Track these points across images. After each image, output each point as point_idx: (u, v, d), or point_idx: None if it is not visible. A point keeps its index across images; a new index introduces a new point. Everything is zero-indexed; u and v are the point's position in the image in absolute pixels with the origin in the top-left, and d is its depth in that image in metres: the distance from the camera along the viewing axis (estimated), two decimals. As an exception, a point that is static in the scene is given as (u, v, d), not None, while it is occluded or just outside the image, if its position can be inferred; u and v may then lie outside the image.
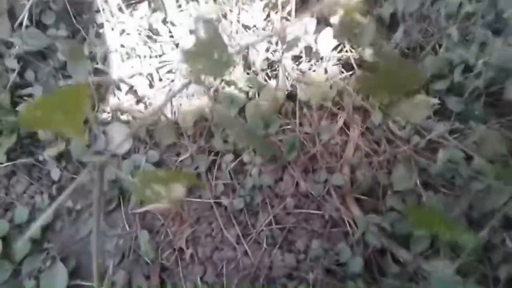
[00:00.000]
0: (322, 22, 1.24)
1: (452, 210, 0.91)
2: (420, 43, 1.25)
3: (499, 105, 1.10)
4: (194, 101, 1.21)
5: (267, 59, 1.24)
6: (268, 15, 1.30)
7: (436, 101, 1.08)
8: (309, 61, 1.22)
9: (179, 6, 1.36)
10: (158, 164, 1.15)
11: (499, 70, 1.06)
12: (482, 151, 1.00)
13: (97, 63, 1.18)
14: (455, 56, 1.10)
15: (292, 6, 1.25)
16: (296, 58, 1.23)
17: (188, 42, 1.29)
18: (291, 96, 1.21)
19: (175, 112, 1.18)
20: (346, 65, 1.23)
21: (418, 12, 1.30)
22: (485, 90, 1.09)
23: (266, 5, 1.30)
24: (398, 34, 1.24)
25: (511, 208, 0.85)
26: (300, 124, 1.18)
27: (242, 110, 1.16)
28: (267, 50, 1.23)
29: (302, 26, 1.20)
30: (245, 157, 1.10)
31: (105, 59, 1.21)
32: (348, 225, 1.02)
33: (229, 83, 1.20)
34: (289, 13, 1.26)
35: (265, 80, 1.22)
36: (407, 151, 1.04)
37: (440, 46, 1.19)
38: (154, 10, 1.26)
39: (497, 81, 1.09)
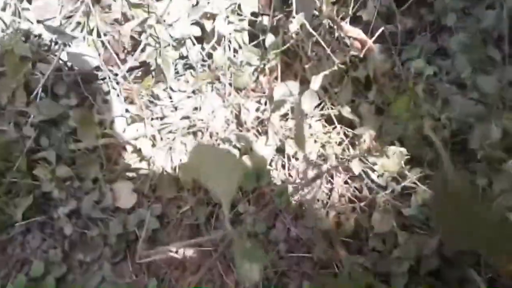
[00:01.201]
0: (305, 83, 1.41)
1: (425, 248, 1.03)
2: (393, 99, 1.42)
3: (465, 153, 1.25)
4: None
5: (257, 117, 1.40)
6: (257, 78, 1.47)
7: (407, 152, 1.23)
8: (293, 118, 1.38)
9: (177, 72, 1.53)
10: (161, 216, 1.28)
11: (461, 123, 1.22)
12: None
13: (105, 128, 1.34)
14: (423, 111, 1.26)
15: (278, 71, 1.43)
16: (284, 116, 1.39)
17: (186, 105, 1.46)
18: (280, 151, 1.36)
19: (175, 168, 1.33)
20: (328, 121, 1.39)
21: (391, 72, 1.48)
22: (451, 140, 1.24)
23: (255, 70, 1.47)
24: (372, 92, 1.41)
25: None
26: (289, 175, 1.32)
27: (236, 165, 1.30)
28: (257, 109, 1.39)
29: (287, 88, 1.37)
30: (241, 207, 1.24)
31: (112, 123, 1.37)
32: (335, 266, 1.14)
33: (223, 140, 1.35)
34: (275, 77, 1.43)
35: (256, 137, 1.38)
36: (385, 196, 1.17)
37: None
38: (156, 81, 1.43)
39: (461, 132, 1.25)
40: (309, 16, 1.38)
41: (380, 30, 1.40)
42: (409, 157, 1.26)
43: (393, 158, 1.26)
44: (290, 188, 1.29)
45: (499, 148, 1.11)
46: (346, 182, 1.27)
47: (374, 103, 1.41)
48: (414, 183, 1.20)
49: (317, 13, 1.45)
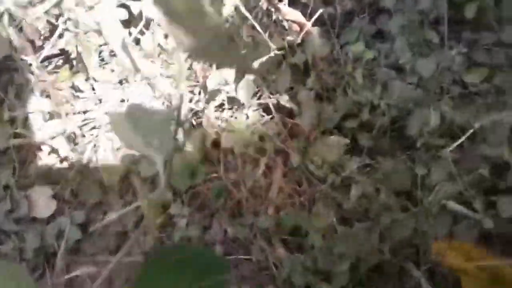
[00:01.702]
0: (241, 71, 1.32)
1: (365, 243, 1.00)
2: (333, 85, 1.37)
3: (404, 139, 1.22)
4: (120, 156, 1.25)
5: (191, 109, 1.30)
6: (191, 66, 1.37)
7: (347, 140, 1.18)
8: (230, 109, 1.30)
9: (102, 59, 1.41)
10: (84, 224, 1.17)
11: (400, 109, 1.19)
12: (390, 184, 1.10)
13: (17, 127, 1.20)
14: (361, 98, 1.21)
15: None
16: (219, 106, 1.31)
17: (112, 97, 1.34)
18: (216, 144, 1.28)
19: (100, 169, 1.22)
20: (266, 110, 1.32)
21: (330, 57, 1.42)
22: (390, 126, 1.21)
23: (188, 56, 1.37)
24: (311, 78, 1.35)
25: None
26: (226, 171, 1.24)
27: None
28: (191, 100, 1.30)
29: (223, 77, 1.28)
30: (173, 209, 1.15)
31: (25, 120, 1.23)
32: (274, 267, 1.08)
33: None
34: (210, 65, 1.34)
35: (190, 129, 1.28)
36: (324, 189, 1.13)
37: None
38: (77, 71, 1.30)
39: (400, 118, 1.21)
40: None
41: (318, 12, 1.34)
42: (348, 146, 1.22)
43: (332, 148, 1.21)
44: (228, 184, 1.21)
45: (437, 134, 1.08)
46: (285, 175, 1.21)
47: (313, 89, 1.35)
48: (354, 173, 1.15)
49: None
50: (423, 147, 1.08)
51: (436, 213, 1.04)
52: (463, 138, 0.98)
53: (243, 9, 1.28)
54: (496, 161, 1.01)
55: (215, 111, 1.28)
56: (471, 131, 0.98)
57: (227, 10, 1.22)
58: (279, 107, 1.31)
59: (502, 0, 1.35)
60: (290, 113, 1.32)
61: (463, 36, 1.39)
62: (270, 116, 1.30)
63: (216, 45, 0.48)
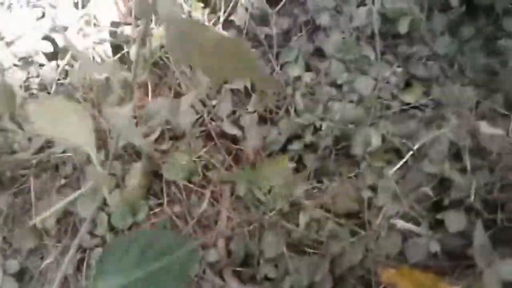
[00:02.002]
0: (181, 97, 1.28)
1: (317, 271, 0.97)
2: (275, 107, 1.35)
3: (350, 158, 1.22)
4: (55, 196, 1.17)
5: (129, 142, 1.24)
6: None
7: (292, 164, 1.16)
8: (172, 139, 1.25)
9: (32, 94, 1.32)
10: (20, 273, 1.08)
11: (342, 129, 1.18)
12: (337, 207, 1.09)
13: None
14: (303, 120, 1.20)
15: (148, 86, 1.28)
16: (159, 137, 1.26)
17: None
18: (158, 177, 1.22)
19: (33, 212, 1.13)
20: (209, 137, 1.28)
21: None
22: (335, 146, 1.20)
23: (122, 86, 1.31)
24: (252, 101, 1.33)
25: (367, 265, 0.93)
26: (170, 204, 1.19)
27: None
28: (127, 133, 1.23)
29: (159, 105, 1.23)
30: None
31: None
32: (227, 302, 1.04)
33: (91, 173, 1.18)
34: (146, 93, 1.29)
35: (130, 163, 1.22)
36: (273, 217, 1.10)
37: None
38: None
39: (344, 138, 1.21)
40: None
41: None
42: (295, 169, 1.20)
43: (279, 172, 1.19)
44: (173, 217, 1.16)
45: (381, 153, 1.08)
46: (233, 204, 1.17)
47: (256, 112, 1.33)
48: (302, 197, 1.13)
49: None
50: (367, 168, 1.07)
51: (385, 234, 1.03)
52: (404, 160, 0.98)
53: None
54: (439, 176, 1.02)
55: (155, 142, 1.23)
56: (411, 152, 0.98)
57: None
58: (222, 133, 1.27)
59: (433, 14, 1.39)
60: (234, 139, 1.29)
61: (399, 50, 1.42)
62: (213, 143, 1.26)
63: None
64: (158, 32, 1.18)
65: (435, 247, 0.92)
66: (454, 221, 1.01)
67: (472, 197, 0.99)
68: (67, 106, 0.53)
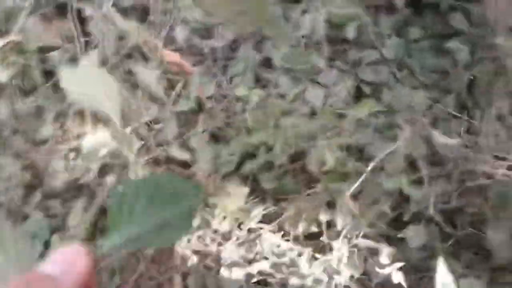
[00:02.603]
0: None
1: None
2: (226, 124, 1.29)
3: (307, 175, 1.17)
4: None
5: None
6: (62, 126, 1.22)
7: (246, 188, 1.11)
8: (116, 169, 1.17)
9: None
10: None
11: (296, 145, 1.14)
12: (296, 229, 1.05)
13: None
14: (255, 139, 1.15)
15: (87, 114, 1.20)
16: (102, 169, 1.17)
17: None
18: (106, 211, 1.14)
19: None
20: (157, 162, 1.21)
21: (218, 93, 1.35)
22: (290, 164, 1.16)
23: (57, 116, 1.22)
24: (201, 120, 1.27)
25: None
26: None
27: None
28: (66, 168, 1.15)
29: (100, 136, 1.15)
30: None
31: None
32: None
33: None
34: (84, 122, 1.20)
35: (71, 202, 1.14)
36: (229, 248, 1.04)
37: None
38: None
39: (299, 154, 1.17)
40: (111, 46, 1.17)
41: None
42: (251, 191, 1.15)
43: (234, 196, 1.14)
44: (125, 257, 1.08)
45: (336, 171, 1.04)
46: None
47: (206, 131, 1.27)
48: (260, 222, 1.08)
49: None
50: (324, 187, 1.04)
51: (348, 255, 1.00)
52: (359, 182, 0.95)
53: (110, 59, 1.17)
54: (397, 191, 1.00)
55: (98, 175, 1.14)
56: (364, 174, 0.95)
57: (91, 61, 1.09)
58: (170, 158, 1.20)
59: (379, 18, 1.37)
60: (184, 163, 1.22)
61: (349, 56, 1.39)
62: (162, 169, 1.19)
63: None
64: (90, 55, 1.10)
65: (397, 278, 0.89)
66: (415, 236, 0.99)
67: (431, 210, 0.97)
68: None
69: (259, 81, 1.41)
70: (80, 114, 1.21)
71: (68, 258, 0.34)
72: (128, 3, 1.22)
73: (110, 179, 1.13)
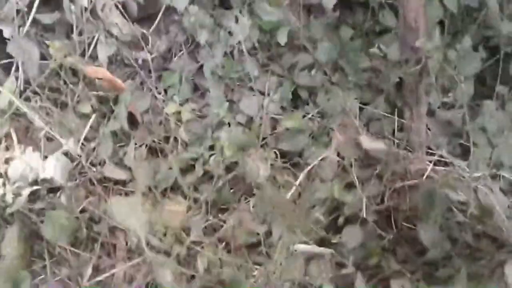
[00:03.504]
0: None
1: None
2: (164, 137, 1.29)
3: (245, 186, 1.19)
4: None
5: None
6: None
7: (186, 202, 1.12)
8: (47, 193, 1.15)
9: None
10: None
11: (233, 156, 1.15)
12: (237, 240, 1.07)
13: None
14: (192, 152, 1.15)
15: (14, 139, 1.16)
16: (33, 195, 1.14)
17: None
18: (41, 239, 1.12)
19: None
20: (89, 184, 1.19)
21: (154, 105, 1.34)
22: (228, 175, 1.17)
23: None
24: (138, 134, 1.26)
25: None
26: (57, 264, 1.09)
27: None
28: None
29: (27, 160, 1.12)
30: None
31: None
32: None
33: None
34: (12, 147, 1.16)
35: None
36: (171, 264, 1.04)
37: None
38: None
39: (235, 166, 1.18)
40: (34, 68, 1.13)
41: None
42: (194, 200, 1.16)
43: (174, 212, 1.14)
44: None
45: (272, 180, 1.07)
46: (128, 257, 1.10)
47: (144, 145, 1.26)
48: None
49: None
50: (260, 196, 1.06)
51: (288, 260, 1.02)
52: (292, 191, 0.98)
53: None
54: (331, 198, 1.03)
55: (29, 201, 1.11)
56: (298, 182, 0.98)
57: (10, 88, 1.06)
58: (105, 177, 1.18)
59: (310, 22, 1.40)
60: (123, 182, 1.20)
61: (283, 61, 1.42)
62: (92, 192, 1.16)
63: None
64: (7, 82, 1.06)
65: (327, 286, 0.92)
66: (351, 238, 1.02)
67: (364, 212, 1.01)
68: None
69: (197, 90, 1.41)
70: (7, 137, 1.17)
71: None
72: (50, 20, 1.19)
73: (42, 203, 1.11)
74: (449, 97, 1.31)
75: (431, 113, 1.32)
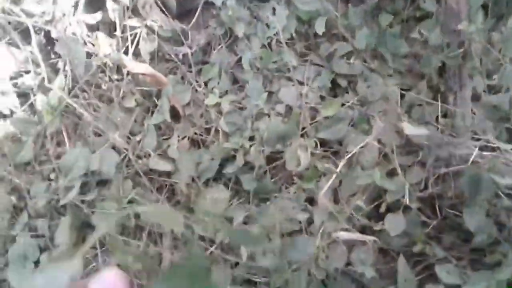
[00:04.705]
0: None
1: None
2: (206, 129, 1.32)
3: (286, 174, 1.20)
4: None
5: (49, 202, 1.18)
6: (42, 147, 1.25)
7: (228, 193, 1.14)
8: (98, 185, 1.20)
9: None
10: None
11: (273, 145, 1.17)
12: (276, 229, 1.08)
13: None
14: (232, 143, 1.18)
15: (64, 134, 1.22)
16: (83, 186, 1.20)
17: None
18: (92, 227, 1.17)
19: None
20: (139, 175, 1.24)
21: (196, 99, 1.37)
22: (269, 165, 1.19)
23: (36, 138, 1.25)
24: (181, 126, 1.29)
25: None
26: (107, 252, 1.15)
27: None
28: (47, 190, 1.18)
29: (78, 153, 1.18)
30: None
31: None
32: None
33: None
34: (62, 142, 1.22)
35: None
36: (215, 253, 1.08)
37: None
38: None
39: (276, 154, 1.20)
40: (81, 66, 1.19)
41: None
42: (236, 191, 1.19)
43: (217, 201, 1.17)
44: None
45: (312, 170, 1.07)
46: (175, 246, 1.14)
47: (186, 137, 1.30)
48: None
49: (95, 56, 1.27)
50: (301, 185, 1.07)
51: (330, 248, 1.03)
52: (331, 179, 0.98)
53: (80, 80, 1.19)
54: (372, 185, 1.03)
55: (80, 193, 1.17)
56: (338, 170, 0.98)
57: (57, 85, 1.11)
58: (151, 170, 1.23)
59: (348, 10, 1.39)
60: (167, 173, 1.25)
61: (321, 50, 1.41)
62: (139, 183, 1.21)
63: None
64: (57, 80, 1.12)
65: (370, 273, 0.92)
66: (393, 225, 1.02)
67: (407, 199, 1.00)
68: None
69: (236, 82, 1.43)
70: (58, 133, 1.23)
71: (110, 281, 0.39)
72: (94, 20, 1.24)
73: (92, 194, 1.16)
74: (494, 80, 1.26)
75: (476, 97, 1.28)
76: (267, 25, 1.39)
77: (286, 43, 1.40)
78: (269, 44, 1.38)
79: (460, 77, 1.17)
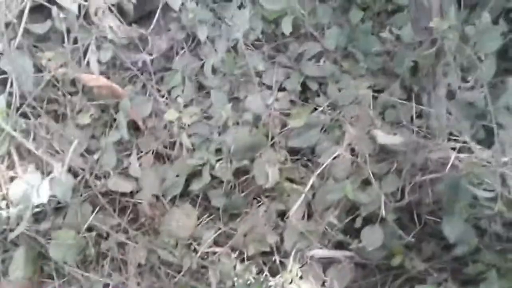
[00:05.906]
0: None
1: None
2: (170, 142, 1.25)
3: (256, 188, 1.14)
4: None
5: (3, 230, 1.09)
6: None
7: (195, 212, 1.07)
8: (53, 212, 1.12)
9: None
10: None
11: (241, 159, 1.10)
12: (250, 249, 1.02)
13: None
14: (197, 159, 1.11)
15: (15, 160, 1.13)
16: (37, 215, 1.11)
17: None
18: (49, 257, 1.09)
19: None
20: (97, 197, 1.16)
21: (158, 110, 1.29)
22: (237, 180, 1.12)
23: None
24: (143, 140, 1.22)
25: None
26: (67, 284, 1.07)
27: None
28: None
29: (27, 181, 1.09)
30: None
31: None
32: None
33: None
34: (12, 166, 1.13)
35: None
36: (181, 280, 1.01)
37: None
38: None
39: (244, 170, 1.13)
40: (29, 81, 1.10)
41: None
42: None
43: (183, 221, 1.10)
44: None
45: (282, 185, 1.01)
46: (139, 273, 1.07)
47: (150, 152, 1.22)
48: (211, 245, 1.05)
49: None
50: (271, 203, 1.00)
51: (306, 267, 0.98)
52: (300, 199, 0.92)
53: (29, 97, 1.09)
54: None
55: (35, 221, 1.09)
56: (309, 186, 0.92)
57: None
58: (111, 192, 1.15)
59: (316, 8, 1.32)
60: (130, 192, 1.17)
61: (290, 51, 1.35)
62: (99, 207, 1.13)
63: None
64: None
65: None
66: (370, 239, 0.97)
67: (383, 210, 0.95)
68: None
69: (203, 88, 1.35)
70: (8, 155, 1.14)
71: None
72: (42, 30, 1.15)
73: (47, 223, 1.08)
74: (470, 76, 1.21)
75: (450, 95, 1.23)
76: (232, 27, 1.31)
77: (253, 44, 1.33)
78: (235, 47, 1.30)
79: (434, 76, 1.12)
